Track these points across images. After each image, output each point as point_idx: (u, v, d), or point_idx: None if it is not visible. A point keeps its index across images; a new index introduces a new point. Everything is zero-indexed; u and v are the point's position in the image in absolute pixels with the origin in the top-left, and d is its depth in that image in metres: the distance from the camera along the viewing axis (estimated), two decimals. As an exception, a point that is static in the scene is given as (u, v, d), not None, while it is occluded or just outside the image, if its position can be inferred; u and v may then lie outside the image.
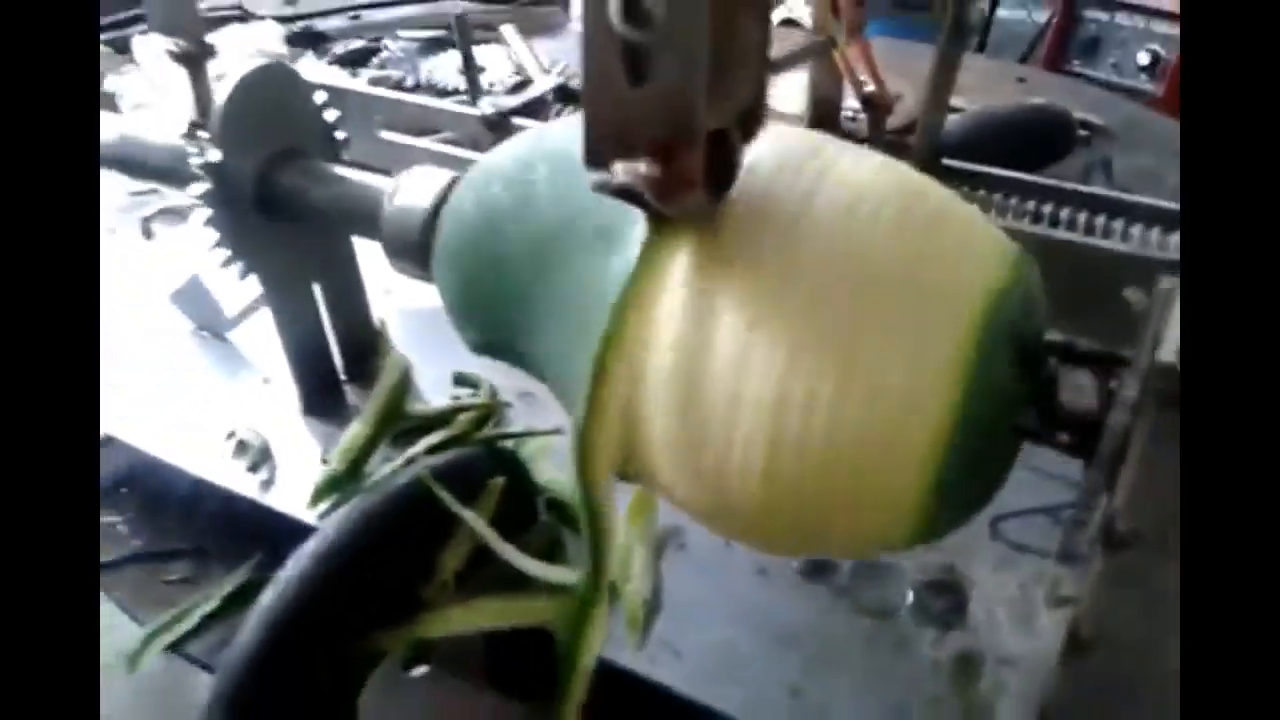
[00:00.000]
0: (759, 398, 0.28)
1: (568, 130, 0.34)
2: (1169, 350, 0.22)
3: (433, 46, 1.10)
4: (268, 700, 0.36)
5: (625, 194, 0.28)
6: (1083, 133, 0.88)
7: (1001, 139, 0.81)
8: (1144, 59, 1.95)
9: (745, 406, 0.28)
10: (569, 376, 0.33)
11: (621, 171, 0.27)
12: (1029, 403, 0.30)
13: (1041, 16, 2.29)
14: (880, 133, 0.50)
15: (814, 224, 0.29)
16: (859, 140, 0.52)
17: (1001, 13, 2.46)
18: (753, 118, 0.30)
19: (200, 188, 0.44)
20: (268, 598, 0.37)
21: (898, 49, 0.86)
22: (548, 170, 0.34)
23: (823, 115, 0.50)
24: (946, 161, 0.51)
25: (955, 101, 0.98)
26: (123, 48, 1.04)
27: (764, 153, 0.30)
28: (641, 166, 0.27)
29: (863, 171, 0.30)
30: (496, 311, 0.35)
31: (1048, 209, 0.49)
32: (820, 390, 0.27)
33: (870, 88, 0.48)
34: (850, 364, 0.27)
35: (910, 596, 0.42)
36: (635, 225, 0.31)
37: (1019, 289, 0.30)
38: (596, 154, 0.28)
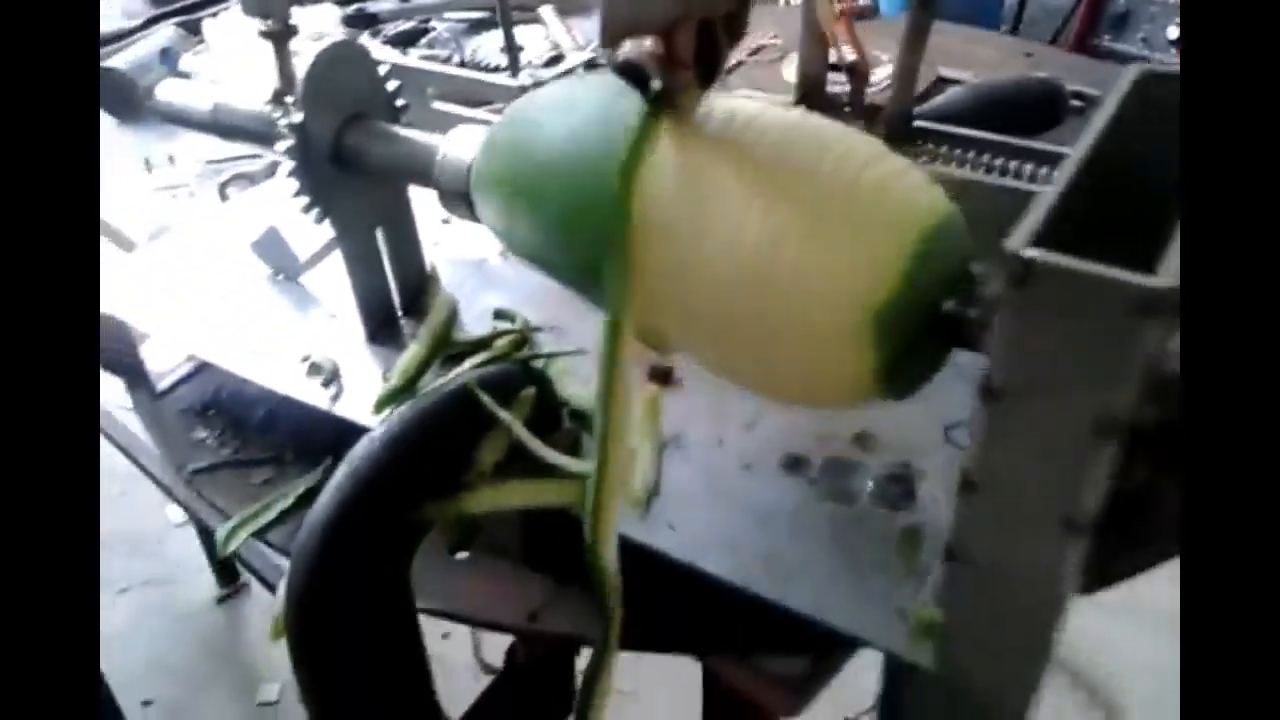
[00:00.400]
0: (739, 227, 0.37)
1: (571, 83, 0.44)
2: (1015, 241, 0.30)
3: (476, 27, 1.18)
4: (340, 551, 0.45)
5: (630, 70, 0.36)
6: (1077, 103, 0.94)
7: (998, 108, 0.88)
8: (1173, 33, 1.99)
9: (730, 223, 0.37)
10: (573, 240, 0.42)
11: (630, 47, 0.36)
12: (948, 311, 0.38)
13: (1075, -10, 2.31)
14: (860, 96, 0.57)
15: (788, 129, 0.38)
16: (843, 103, 0.60)
17: (1037, -14, 2.49)
18: (736, 22, 0.38)
19: (285, 144, 0.53)
20: (342, 472, 0.46)
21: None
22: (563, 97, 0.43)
23: (811, 89, 0.57)
24: (918, 123, 0.58)
25: (964, 75, 1.05)
26: (195, 30, 1.14)
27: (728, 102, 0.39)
28: (647, 42, 0.36)
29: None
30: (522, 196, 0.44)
31: (999, 162, 0.56)
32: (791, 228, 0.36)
33: (852, 57, 0.55)
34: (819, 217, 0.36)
35: (870, 485, 0.50)
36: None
37: (953, 226, 0.38)
38: (612, 34, 0.36)
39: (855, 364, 0.38)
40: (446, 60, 1.09)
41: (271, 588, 1.35)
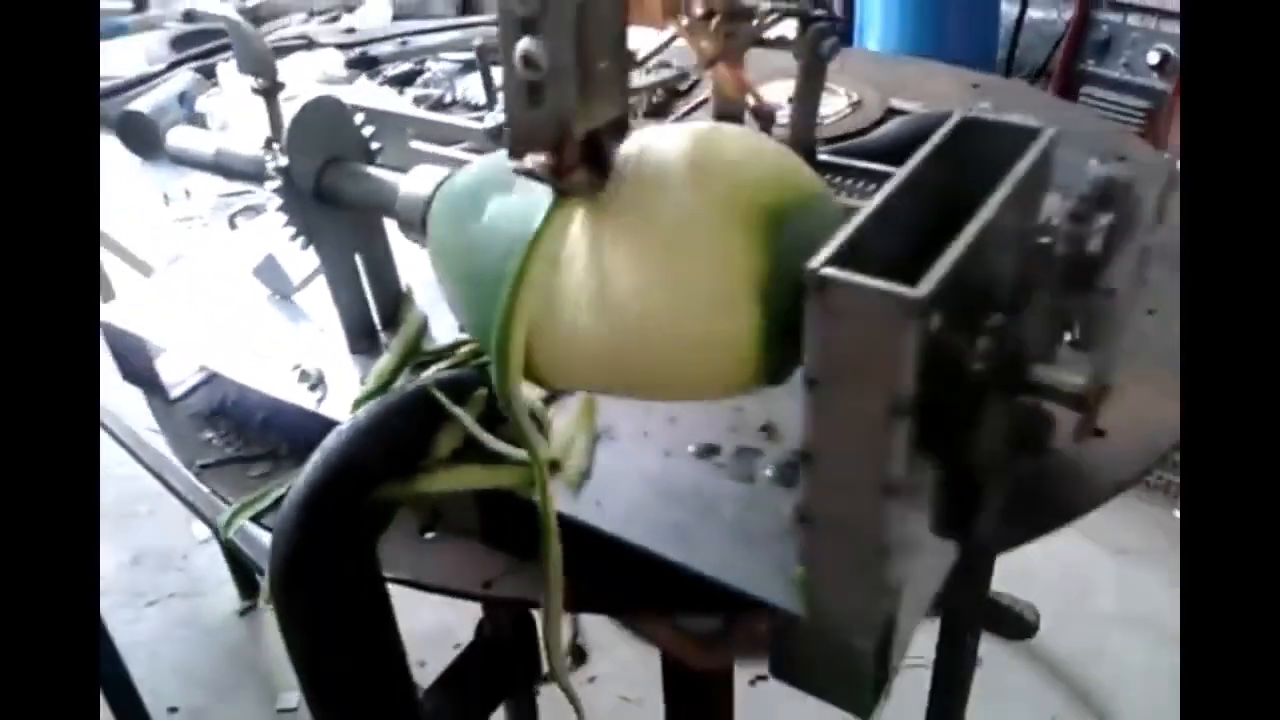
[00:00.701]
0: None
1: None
2: (816, 260, 0.38)
3: (469, 68, 1.28)
4: (313, 525, 0.53)
5: (531, 175, 0.45)
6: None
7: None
8: (1154, 58, 2.06)
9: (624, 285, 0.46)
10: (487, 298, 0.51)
11: (529, 161, 0.45)
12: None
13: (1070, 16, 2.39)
14: (767, 135, 0.65)
15: (654, 200, 0.46)
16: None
17: (1033, 13, 2.58)
18: (620, 125, 0.47)
19: (274, 184, 0.62)
20: (315, 458, 0.55)
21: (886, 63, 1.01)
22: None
23: (728, 125, 0.66)
24: (822, 157, 0.66)
25: (914, 106, 1.14)
26: (210, 74, 1.25)
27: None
28: (541, 157, 0.44)
29: (678, 163, 0.47)
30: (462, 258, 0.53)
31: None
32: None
33: (753, 103, 0.64)
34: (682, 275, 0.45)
35: (772, 469, 0.58)
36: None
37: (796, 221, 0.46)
38: (515, 150, 0.45)
39: (743, 385, 0.48)
40: (439, 99, 1.18)
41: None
